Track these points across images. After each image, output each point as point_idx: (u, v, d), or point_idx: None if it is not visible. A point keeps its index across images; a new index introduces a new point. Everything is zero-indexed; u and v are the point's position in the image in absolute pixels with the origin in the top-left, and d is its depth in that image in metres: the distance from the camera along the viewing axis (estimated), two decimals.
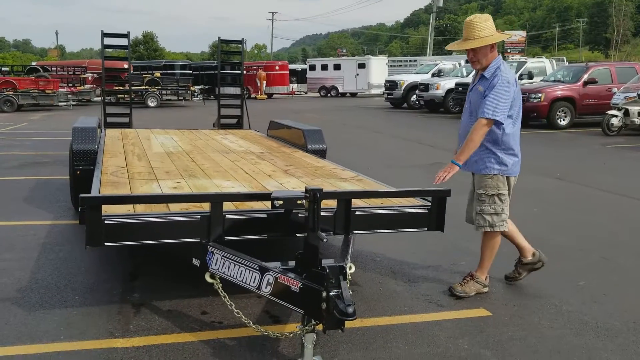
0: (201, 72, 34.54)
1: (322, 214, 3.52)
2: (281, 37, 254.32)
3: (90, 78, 30.68)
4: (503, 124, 3.83)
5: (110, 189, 3.95)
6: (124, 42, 8.89)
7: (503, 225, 4.02)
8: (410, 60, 42.35)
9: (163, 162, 5.20)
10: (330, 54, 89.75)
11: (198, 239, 3.29)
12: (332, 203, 3.53)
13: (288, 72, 38.37)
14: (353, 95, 38.85)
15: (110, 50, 8.84)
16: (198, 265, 3.38)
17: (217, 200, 3.27)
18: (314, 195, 2.95)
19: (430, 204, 3.75)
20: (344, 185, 4.43)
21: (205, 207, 3.35)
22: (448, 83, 22.07)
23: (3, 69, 29.86)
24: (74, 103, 26.38)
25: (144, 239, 3.24)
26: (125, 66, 31.56)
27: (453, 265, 4.73)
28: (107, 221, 3.10)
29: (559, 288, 4.25)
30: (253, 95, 35.88)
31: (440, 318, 3.67)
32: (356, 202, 3.75)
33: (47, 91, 24.73)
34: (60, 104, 25.25)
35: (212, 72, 34.44)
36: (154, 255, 4.63)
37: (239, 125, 9.37)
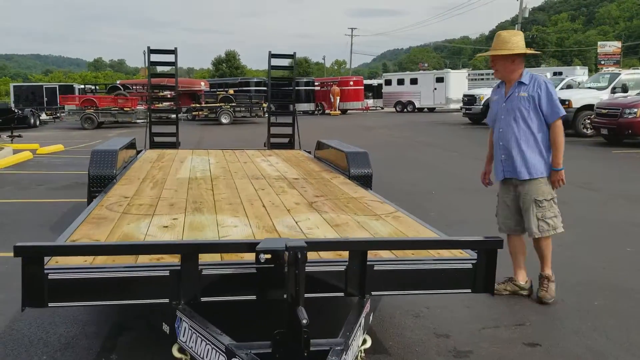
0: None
1: (331, 268, 2.79)
2: (362, 53, 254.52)
3: (168, 96, 31.40)
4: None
5: (90, 228, 3.35)
6: (171, 58, 8.47)
7: (559, 227, 4.26)
8: (492, 73, 40.50)
9: (177, 191, 4.59)
10: (412, 68, 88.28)
11: (167, 300, 2.60)
12: (345, 254, 2.75)
13: (363, 87, 37.67)
14: (431, 110, 37.56)
15: (161, 67, 8.42)
16: (167, 332, 2.69)
17: (188, 251, 2.56)
18: (295, 256, 2.17)
19: (476, 257, 2.86)
20: (374, 225, 3.61)
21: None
22: None
23: (86, 87, 31.17)
24: (172, 120, 26.97)
25: (100, 299, 2.58)
26: (202, 84, 32.12)
27: (519, 327, 3.77)
28: (50, 276, 2.47)
29: None
30: (327, 112, 35.50)
31: None
32: (380, 254, 2.93)
33: (125, 109, 25.42)
34: (138, 121, 25.84)
35: (286, 88, 34.40)
36: None
37: (290, 145, 8.72)
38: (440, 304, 4.11)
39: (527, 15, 44.83)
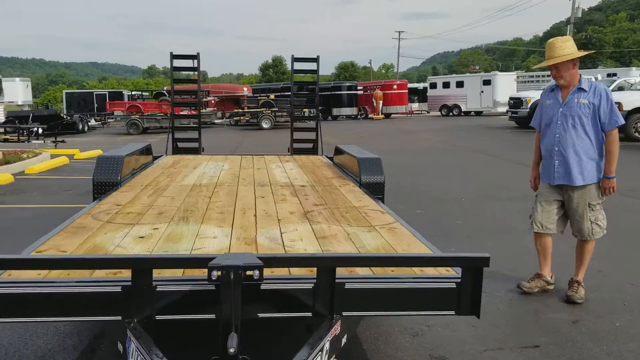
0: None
1: (298, 286, 2.58)
2: (411, 56, 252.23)
3: (212, 101, 31.79)
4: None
5: (63, 238, 3.24)
6: (192, 63, 8.43)
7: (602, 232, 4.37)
8: (543, 75, 39.19)
9: (174, 199, 4.47)
10: (462, 71, 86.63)
11: (119, 318, 2.45)
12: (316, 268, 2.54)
13: (407, 91, 37.10)
14: (478, 114, 36.60)
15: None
16: (121, 352, 2.55)
17: (138, 266, 2.40)
18: (227, 276, 1.97)
19: (460, 276, 2.59)
20: (364, 237, 3.36)
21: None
22: None
23: (133, 93, 31.96)
24: (195, 125, 27.31)
25: (50, 315, 2.45)
26: (245, 90, 32.17)
27: (525, 350, 3.45)
28: None
29: None
30: (370, 116, 35.17)
31: None
32: (356, 270, 2.70)
33: (169, 114, 25.82)
34: (180, 126, 26.21)
35: (328, 92, 34.35)
36: None
37: (314, 151, 8.55)
38: (443, 322, 3.83)
39: (580, 15, 43.21)
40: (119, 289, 2.43)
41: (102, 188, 5.07)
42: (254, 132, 25.05)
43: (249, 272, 2.29)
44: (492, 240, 6.09)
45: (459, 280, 2.58)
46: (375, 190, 5.14)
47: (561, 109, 4.30)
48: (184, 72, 9.36)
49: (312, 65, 8.80)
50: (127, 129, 25.42)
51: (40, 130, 20.62)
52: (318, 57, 8.58)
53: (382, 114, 34.67)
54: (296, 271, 2.69)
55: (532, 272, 4.57)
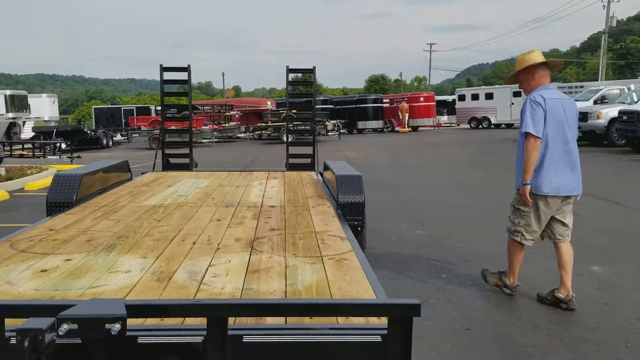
0: (343, 107, 34.03)
1: (186, 339, 2.12)
2: (445, 69, 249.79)
3: (236, 115, 31.68)
4: (540, 138, 4.25)
5: None
6: (184, 76, 8.10)
7: (517, 236, 4.55)
8: (576, 87, 37.94)
9: (118, 222, 4.05)
10: (498, 83, 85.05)
11: None
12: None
13: (434, 103, 36.33)
14: (509, 126, 35.59)
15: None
16: None
17: None
18: (21, 344, 1.51)
19: (386, 327, 2.08)
20: (303, 270, 2.87)
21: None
22: (611, 111, 18.77)
23: (157, 108, 32.05)
24: (216, 140, 27.20)
25: None
26: (269, 103, 31.84)
27: None
28: None
29: None
30: (396, 129, 34.56)
31: None
32: (265, 319, 2.23)
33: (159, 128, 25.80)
34: (203, 140, 26.12)
35: (353, 105, 33.93)
36: None
37: (312, 166, 8.11)
38: None
39: (614, 24, 41.81)
40: None
41: (55, 209, 4.73)
42: (274, 146, 24.73)
43: (107, 325, 1.85)
44: (489, 266, 5.50)
45: (385, 332, 2.07)
46: (354, 212, 4.66)
47: None
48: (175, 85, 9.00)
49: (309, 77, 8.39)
50: (149, 143, 25.46)
51: (63, 146, 20.72)
52: (314, 67, 8.17)
53: (408, 126, 34.01)
54: (192, 320, 2.22)
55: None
